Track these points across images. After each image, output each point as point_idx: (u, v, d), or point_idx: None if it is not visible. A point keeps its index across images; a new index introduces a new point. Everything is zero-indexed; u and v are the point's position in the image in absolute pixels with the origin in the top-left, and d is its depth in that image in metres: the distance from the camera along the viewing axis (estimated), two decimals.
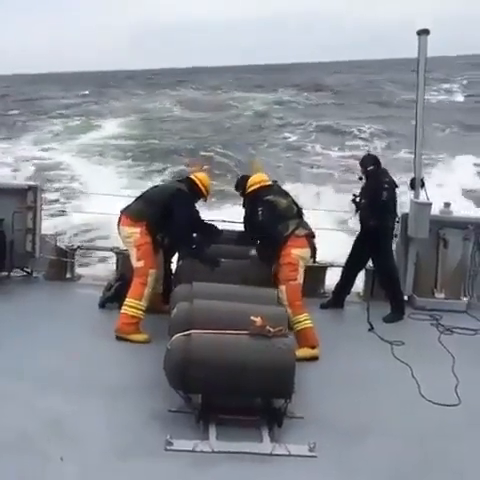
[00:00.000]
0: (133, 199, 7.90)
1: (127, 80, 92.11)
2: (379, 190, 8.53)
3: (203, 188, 7.97)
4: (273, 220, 7.38)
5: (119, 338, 7.41)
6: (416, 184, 9.15)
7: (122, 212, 7.74)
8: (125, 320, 7.45)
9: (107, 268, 10.17)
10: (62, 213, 12.87)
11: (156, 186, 8.20)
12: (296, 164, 27.98)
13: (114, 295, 8.39)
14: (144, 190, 8.04)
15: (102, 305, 8.39)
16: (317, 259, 7.76)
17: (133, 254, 7.58)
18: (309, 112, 46.30)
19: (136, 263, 7.56)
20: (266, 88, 66.48)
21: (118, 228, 7.73)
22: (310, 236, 7.47)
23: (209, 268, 7.26)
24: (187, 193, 7.79)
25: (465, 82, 65.43)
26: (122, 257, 9.16)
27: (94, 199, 13.70)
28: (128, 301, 7.49)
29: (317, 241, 7.56)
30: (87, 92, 69.09)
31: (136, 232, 7.52)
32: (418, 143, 9.21)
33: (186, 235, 7.63)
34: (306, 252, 7.38)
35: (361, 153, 14.48)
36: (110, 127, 40.40)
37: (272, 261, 7.42)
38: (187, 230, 7.63)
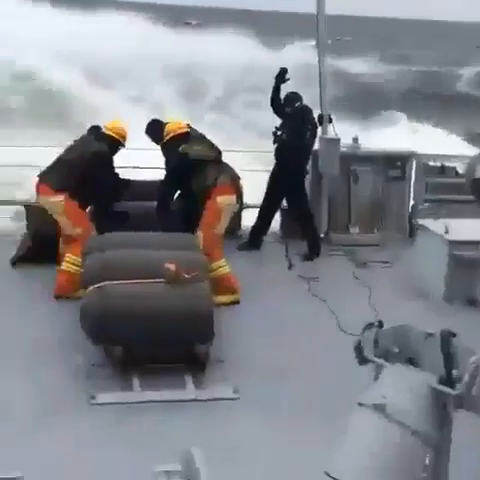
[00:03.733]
0: (50, 163, 7.59)
1: None
2: (304, 129, 8.54)
3: (121, 139, 7.83)
4: (181, 173, 7.34)
5: (59, 297, 7.11)
6: (324, 120, 9.15)
7: (40, 180, 7.43)
8: (67, 277, 7.16)
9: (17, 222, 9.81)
10: None
11: (73, 147, 7.75)
12: None
13: (28, 254, 8.13)
14: (61, 153, 7.69)
15: (14, 263, 8.12)
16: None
17: (66, 222, 7.31)
18: None
19: (73, 230, 7.29)
20: None
21: (37, 195, 7.48)
22: (235, 180, 7.41)
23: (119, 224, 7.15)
24: (106, 153, 7.60)
25: None
26: (32, 211, 8.86)
27: None
28: (71, 258, 7.17)
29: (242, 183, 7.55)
30: None
31: (61, 200, 7.25)
32: (323, 79, 9.21)
33: (111, 200, 7.59)
34: (232, 199, 7.32)
35: None
36: None
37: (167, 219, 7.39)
38: (111, 195, 7.57)
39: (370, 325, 3.00)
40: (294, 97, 8.89)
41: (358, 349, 3.03)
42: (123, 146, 7.88)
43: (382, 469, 2.53)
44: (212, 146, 7.57)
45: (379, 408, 2.59)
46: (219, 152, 7.56)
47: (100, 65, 32.63)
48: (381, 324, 2.98)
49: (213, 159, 7.42)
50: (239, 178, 7.51)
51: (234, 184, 7.39)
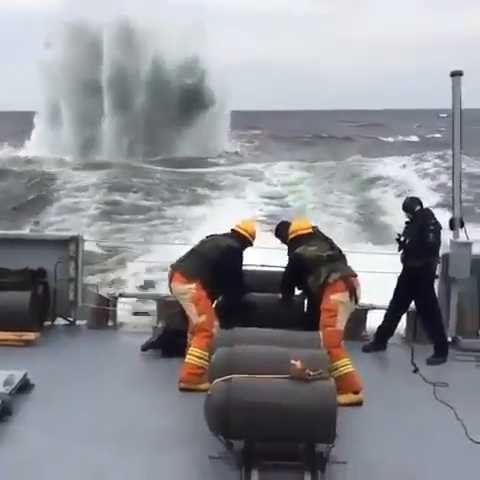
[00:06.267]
0: (183, 254, 7.97)
1: None
2: (426, 231, 8.55)
3: (250, 237, 8.24)
4: (297, 274, 7.86)
5: (184, 389, 7.31)
6: (455, 224, 9.13)
7: (174, 269, 7.81)
8: (191, 370, 7.38)
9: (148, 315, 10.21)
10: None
11: (206, 240, 8.14)
12: None
13: (158, 342, 8.47)
14: (195, 245, 8.11)
15: (144, 349, 8.44)
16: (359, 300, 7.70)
17: (192, 310, 7.60)
18: None
19: (197, 318, 7.56)
20: None
21: (169, 284, 7.82)
22: (347, 277, 7.50)
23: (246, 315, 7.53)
24: (237, 249, 8.02)
25: None
26: (163, 304, 9.24)
27: None
28: (194, 351, 7.43)
29: (359, 281, 7.59)
30: None
31: (192, 288, 7.59)
32: (456, 183, 9.21)
33: (240, 292, 7.99)
34: (344, 295, 7.40)
35: None
36: None
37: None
38: (240, 287, 7.97)
39: None
40: (412, 202, 8.98)
41: None
42: (251, 244, 8.27)
43: None
44: (332, 246, 7.85)
45: None
46: (339, 252, 7.83)
47: None
48: None
49: (326, 259, 7.61)
50: (355, 276, 7.57)
51: (346, 281, 7.44)
